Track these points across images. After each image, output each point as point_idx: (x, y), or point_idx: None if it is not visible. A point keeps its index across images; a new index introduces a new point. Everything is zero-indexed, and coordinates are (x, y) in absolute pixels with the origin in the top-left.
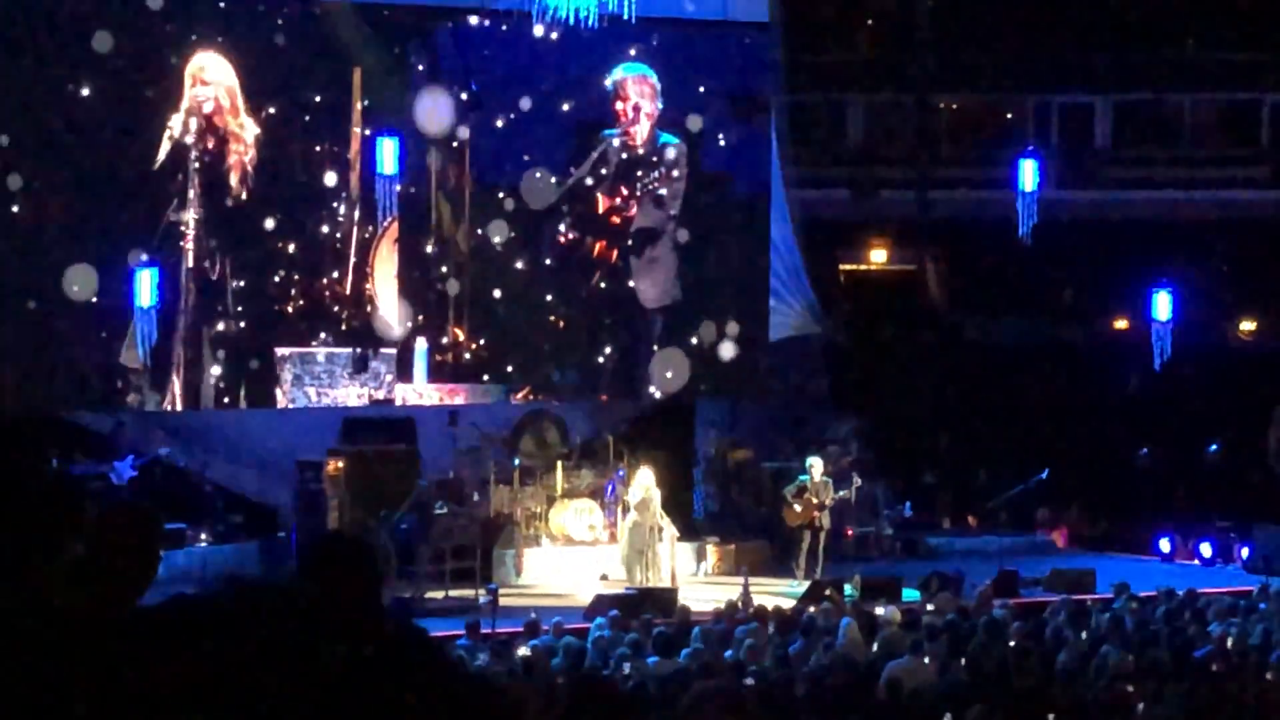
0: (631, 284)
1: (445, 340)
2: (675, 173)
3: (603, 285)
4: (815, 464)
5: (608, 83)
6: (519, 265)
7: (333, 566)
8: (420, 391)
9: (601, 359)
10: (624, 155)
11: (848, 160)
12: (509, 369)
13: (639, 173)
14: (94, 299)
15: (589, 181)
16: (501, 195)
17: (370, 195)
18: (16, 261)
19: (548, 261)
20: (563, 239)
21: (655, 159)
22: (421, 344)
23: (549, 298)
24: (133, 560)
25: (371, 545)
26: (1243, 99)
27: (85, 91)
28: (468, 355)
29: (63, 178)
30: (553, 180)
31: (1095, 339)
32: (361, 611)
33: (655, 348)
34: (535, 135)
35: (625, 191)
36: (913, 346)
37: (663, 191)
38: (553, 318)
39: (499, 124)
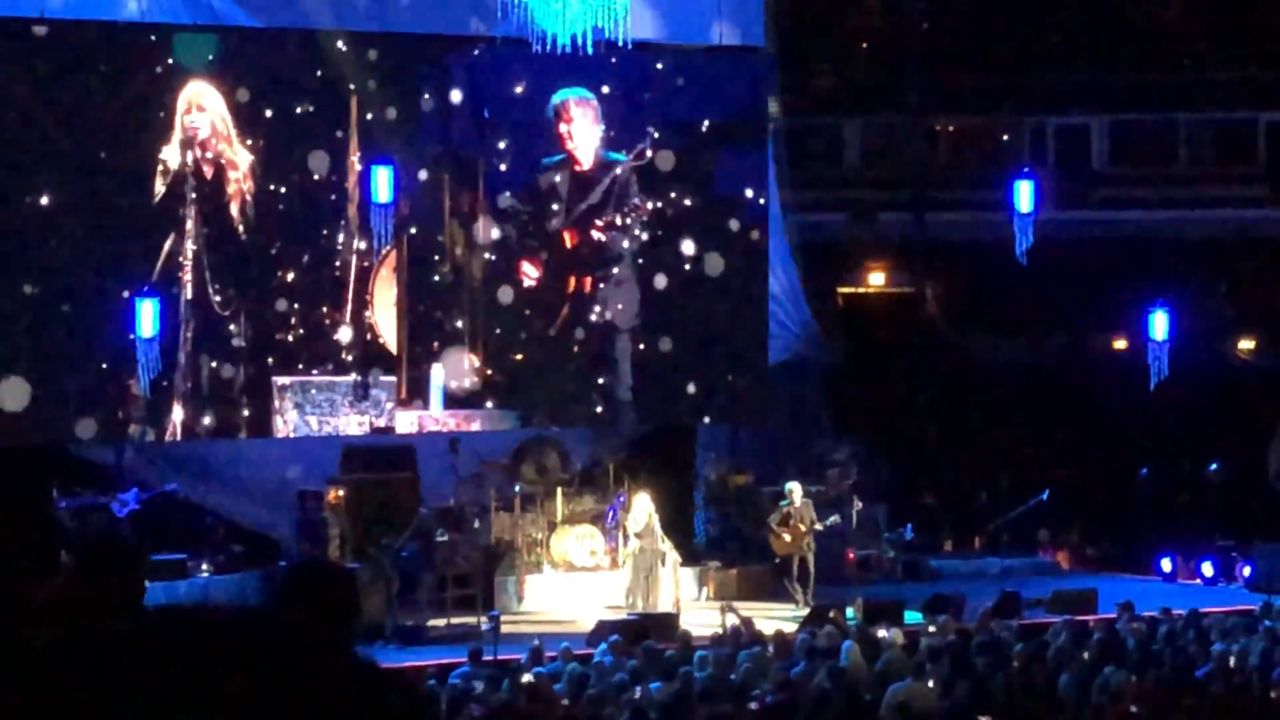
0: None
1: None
2: (630, 191)
3: (566, 312)
4: (794, 489)
5: (549, 109)
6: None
7: (312, 593)
8: (433, 417)
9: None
10: (573, 181)
11: (845, 183)
12: (520, 397)
13: (595, 196)
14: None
15: (525, 215)
16: (513, 222)
17: (368, 224)
18: (19, 292)
19: (509, 299)
20: (529, 277)
21: (607, 180)
22: (438, 371)
23: (561, 324)
24: (113, 594)
25: (352, 573)
26: (1239, 118)
27: (78, 123)
28: (481, 381)
29: (62, 209)
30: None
31: (1093, 359)
32: (336, 639)
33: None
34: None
35: (600, 220)
36: (912, 368)
37: (623, 210)
38: (569, 344)
39: (510, 150)
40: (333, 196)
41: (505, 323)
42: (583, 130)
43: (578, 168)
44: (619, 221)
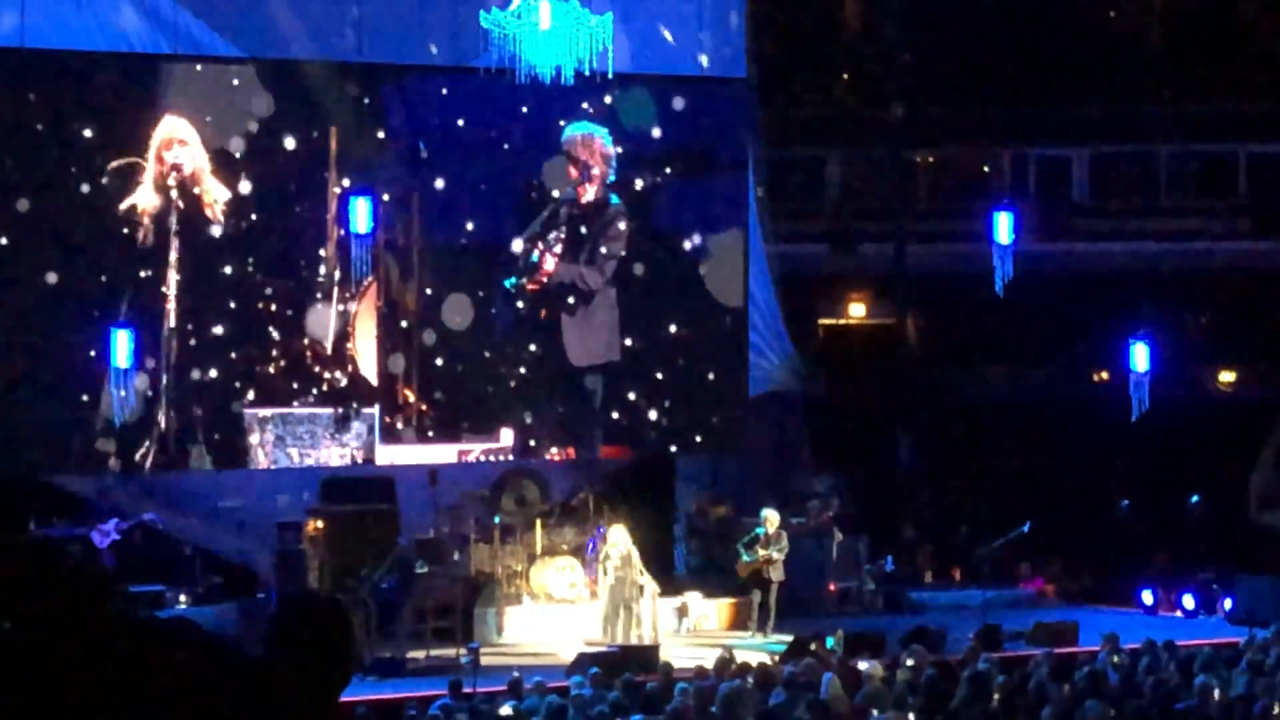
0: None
1: (398, 402)
2: (614, 232)
3: (533, 346)
4: (770, 516)
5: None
6: (469, 325)
7: (308, 630)
8: (402, 451)
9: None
10: (572, 215)
11: (826, 214)
12: (462, 429)
13: (583, 232)
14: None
15: (540, 243)
16: (452, 255)
17: (347, 255)
18: None
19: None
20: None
21: (599, 219)
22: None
23: (488, 355)
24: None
25: (347, 609)
26: (1220, 150)
27: (55, 155)
28: (413, 417)
29: (39, 243)
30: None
31: (1074, 391)
32: (330, 680)
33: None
34: (488, 193)
35: (569, 252)
36: (892, 400)
37: (602, 250)
38: (506, 376)
39: (450, 183)
40: (313, 226)
41: (447, 355)
42: (588, 166)
43: (580, 203)
44: (597, 258)
